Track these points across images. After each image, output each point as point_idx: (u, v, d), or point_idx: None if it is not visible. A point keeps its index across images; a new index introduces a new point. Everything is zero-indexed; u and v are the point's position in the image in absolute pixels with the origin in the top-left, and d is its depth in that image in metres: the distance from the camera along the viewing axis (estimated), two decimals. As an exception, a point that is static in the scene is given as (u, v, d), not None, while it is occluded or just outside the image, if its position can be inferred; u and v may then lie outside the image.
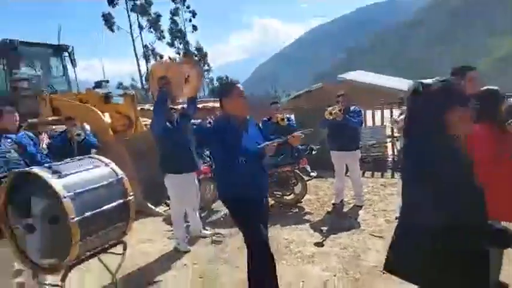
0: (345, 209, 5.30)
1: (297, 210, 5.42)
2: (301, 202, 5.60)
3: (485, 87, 2.61)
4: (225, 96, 2.78)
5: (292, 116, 7.00)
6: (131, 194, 2.69)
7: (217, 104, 8.87)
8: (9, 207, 2.33)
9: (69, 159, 2.69)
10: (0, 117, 3.57)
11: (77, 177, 2.45)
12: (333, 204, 5.45)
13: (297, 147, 5.36)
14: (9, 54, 7.57)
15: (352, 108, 5.25)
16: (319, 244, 4.08)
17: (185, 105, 4.41)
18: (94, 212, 2.39)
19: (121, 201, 2.62)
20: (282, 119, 5.65)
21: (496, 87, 2.58)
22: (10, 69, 7.58)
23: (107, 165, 2.73)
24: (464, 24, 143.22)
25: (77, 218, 2.25)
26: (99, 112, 6.21)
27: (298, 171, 5.51)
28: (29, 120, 5.63)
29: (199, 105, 8.69)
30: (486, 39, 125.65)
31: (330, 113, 5.08)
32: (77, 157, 2.78)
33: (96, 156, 2.80)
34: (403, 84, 14.21)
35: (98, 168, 2.66)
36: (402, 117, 5.18)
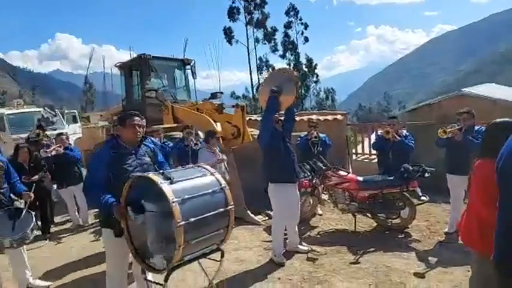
0: (461, 241, 4.66)
1: (403, 236, 4.98)
2: (409, 228, 5.13)
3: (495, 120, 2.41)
4: None
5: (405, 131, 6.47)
6: (231, 203, 2.81)
7: (322, 117, 8.74)
8: (129, 207, 2.65)
9: (180, 167, 2.95)
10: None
11: (185, 184, 2.66)
12: (446, 233, 4.86)
13: (407, 167, 4.96)
14: (142, 67, 8.76)
15: (477, 128, 4.63)
16: (425, 278, 3.67)
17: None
18: (198, 218, 2.56)
19: (222, 209, 2.76)
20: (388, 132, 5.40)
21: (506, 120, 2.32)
22: (142, 80, 8.77)
23: (212, 174, 2.91)
24: None
25: (182, 222, 2.44)
26: (212, 121, 6.74)
27: (406, 194, 5.07)
28: (153, 127, 6.39)
29: (304, 117, 8.74)
30: None
31: (445, 131, 4.60)
32: (188, 165, 3.03)
33: (204, 165, 3.01)
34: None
35: (205, 176, 2.85)
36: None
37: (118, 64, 9.81)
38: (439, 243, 4.64)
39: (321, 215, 5.98)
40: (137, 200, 2.55)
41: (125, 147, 2.86)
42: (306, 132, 6.40)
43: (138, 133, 2.88)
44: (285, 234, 4.52)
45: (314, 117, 9.06)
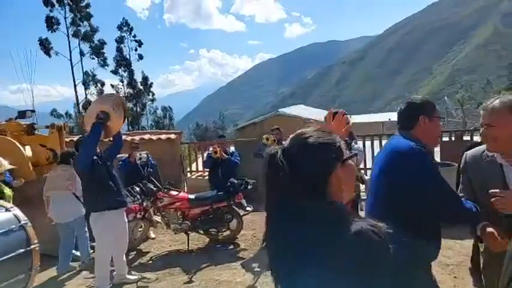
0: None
1: (232, 246, 5.28)
2: (237, 238, 5.48)
3: None
4: (426, 114, 1.92)
5: (232, 148, 6.94)
6: (35, 241, 2.42)
7: (155, 137, 8.53)
8: None
9: (-40, 204, 2.37)
10: None
11: (-34, 226, 2.16)
12: (268, 239, 5.41)
13: (232, 181, 5.32)
14: None
15: (284, 142, 5.38)
16: (250, 285, 3.97)
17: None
18: (-15, 265, 2.10)
19: (22, 250, 2.35)
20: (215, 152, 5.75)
21: None
22: None
23: (7, 210, 2.45)
24: (399, 60, 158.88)
25: (-40, 275, 1.95)
26: (18, 145, 5.71)
27: (234, 207, 5.42)
28: None
29: (136, 137, 8.39)
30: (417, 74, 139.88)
31: (267, 139, 5.20)
32: (-28, 201, 2.46)
33: (-3, 199, 2.50)
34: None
35: (-4, 214, 2.38)
36: None
37: None
38: (262, 249, 5.11)
39: (153, 238, 5.78)
40: None
41: None
42: (127, 154, 6.05)
43: None
44: (112, 266, 4.15)
45: (147, 136, 8.81)
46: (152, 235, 5.83)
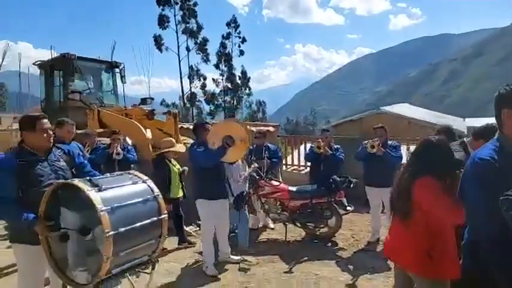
0: (381, 249, 5.00)
1: (330, 244, 5.20)
2: (335, 236, 5.37)
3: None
4: (508, 104, 1.74)
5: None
6: (165, 212, 2.68)
7: (254, 129, 8.78)
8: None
9: (108, 173, 2.74)
10: (61, 127, 3.82)
11: (115, 192, 2.48)
12: (368, 242, 5.19)
13: (335, 179, 5.20)
14: (65, 67, 8.11)
15: (390, 142, 5.07)
16: (352, 285, 3.85)
17: None
18: (128, 228, 2.39)
19: (155, 218, 2.61)
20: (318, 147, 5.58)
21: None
22: (65, 82, 8.12)
23: (144, 181, 2.74)
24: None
25: (112, 233, 2.26)
26: (141, 127, 6.44)
27: (334, 204, 5.31)
28: (86, 130, 5.91)
29: (253, 129, 8.66)
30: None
31: (372, 146, 4.90)
32: (117, 172, 2.83)
33: (135, 172, 2.83)
34: (449, 120, 13.60)
35: (136, 184, 2.68)
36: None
37: (38, 63, 8.97)
38: (361, 251, 4.92)
39: (272, 228, 5.87)
40: (57, 217, 2.32)
41: (34, 154, 2.55)
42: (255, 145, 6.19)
43: (51, 137, 2.61)
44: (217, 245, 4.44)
45: (265, 128, 9.08)
46: (271, 225, 5.93)
